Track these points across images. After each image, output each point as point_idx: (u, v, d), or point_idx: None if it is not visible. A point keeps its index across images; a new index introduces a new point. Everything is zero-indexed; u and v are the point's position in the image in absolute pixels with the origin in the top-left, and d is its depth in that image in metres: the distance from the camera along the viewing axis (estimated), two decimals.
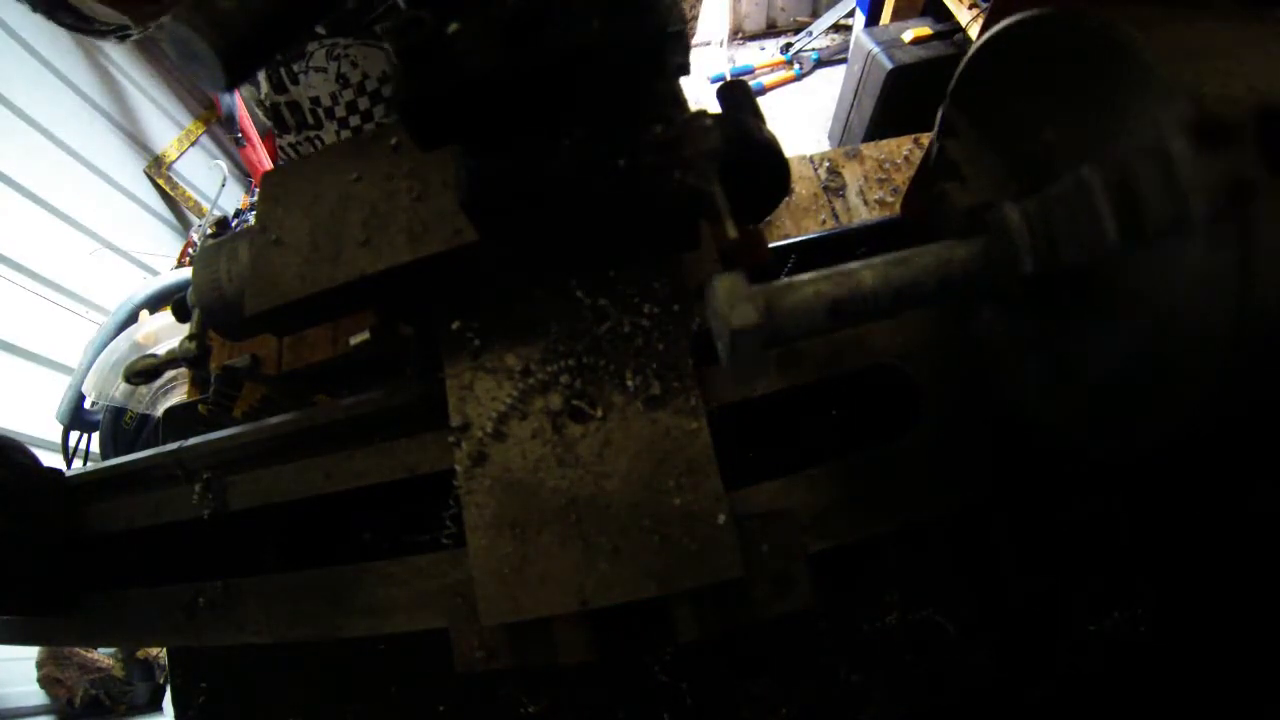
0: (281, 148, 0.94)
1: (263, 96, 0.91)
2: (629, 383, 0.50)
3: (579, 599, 0.47)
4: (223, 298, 0.58)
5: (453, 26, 0.39)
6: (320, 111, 0.88)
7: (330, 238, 0.52)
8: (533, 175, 0.43)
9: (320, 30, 0.80)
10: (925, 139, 1.04)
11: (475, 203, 0.44)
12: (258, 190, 0.58)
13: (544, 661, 0.51)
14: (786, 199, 0.99)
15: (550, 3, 0.38)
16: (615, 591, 0.46)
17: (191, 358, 0.71)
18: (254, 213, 0.57)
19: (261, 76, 0.87)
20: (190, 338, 0.70)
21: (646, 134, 0.41)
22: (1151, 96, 0.31)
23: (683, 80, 0.43)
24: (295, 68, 0.85)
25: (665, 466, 0.48)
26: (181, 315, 0.68)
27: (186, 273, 2.10)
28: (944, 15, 2.41)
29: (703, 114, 0.42)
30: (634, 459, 0.49)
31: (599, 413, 0.50)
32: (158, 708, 2.14)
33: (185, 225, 2.85)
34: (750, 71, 3.56)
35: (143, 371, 0.75)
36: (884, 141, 1.06)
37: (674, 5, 0.38)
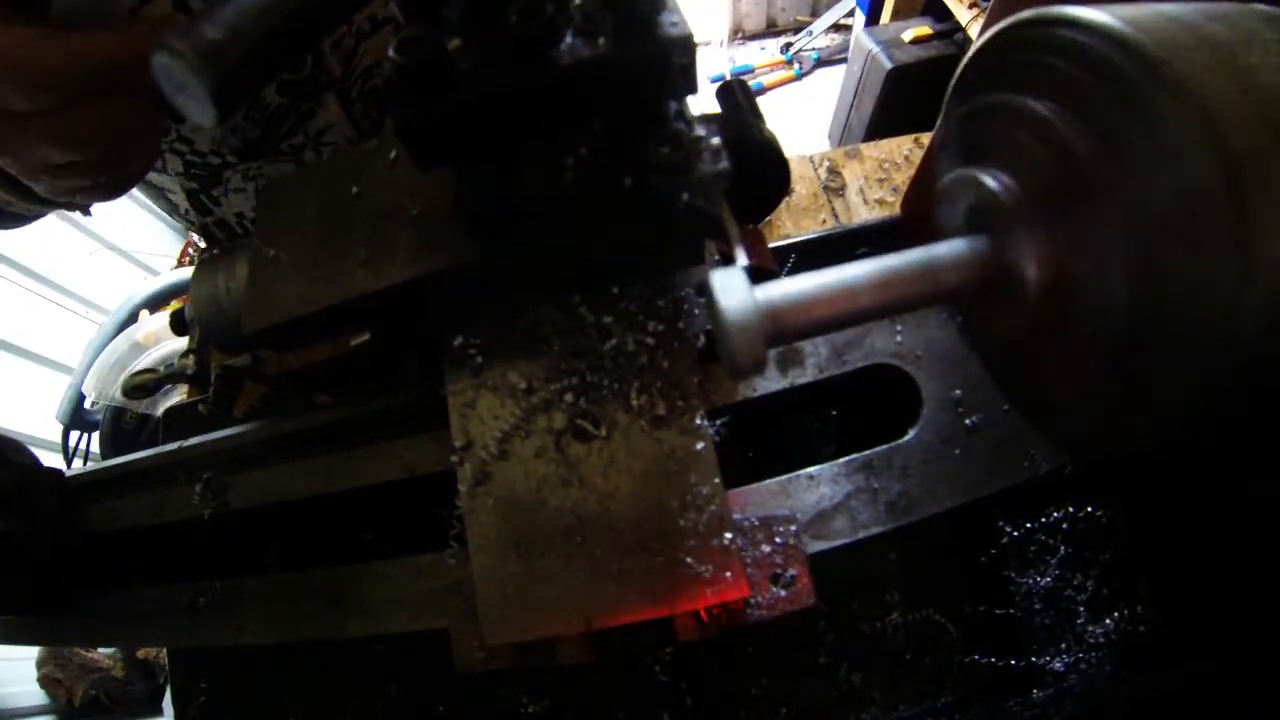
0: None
1: (183, 212, 0.95)
2: (633, 401, 0.50)
3: (584, 619, 0.46)
4: (221, 313, 0.58)
5: (454, 43, 0.38)
6: (247, 223, 0.93)
7: (330, 254, 0.51)
8: (535, 193, 0.42)
9: (231, 159, 0.84)
10: (925, 139, 1.04)
11: (476, 221, 0.44)
12: (257, 203, 0.58)
13: (544, 663, 0.51)
14: (786, 199, 0.99)
15: (555, 21, 0.37)
16: (620, 612, 0.46)
17: (190, 374, 0.72)
18: (253, 227, 0.57)
19: (183, 203, 0.91)
20: (188, 353, 0.70)
21: (653, 154, 0.41)
22: (1160, 100, 0.31)
23: (690, 99, 0.43)
24: (215, 193, 0.89)
25: (670, 487, 0.48)
26: (179, 329, 0.68)
27: (186, 273, 2.11)
28: (944, 15, 2.41)
29: (710, 134, 0.42)
30: (638, 479, 0.49)
31: (603, 432, 0.50)
32: (158, 708, 2.14)
33: (188, 226, 2.84)
34: (750, 71, 3.56)
35: (141, 387, 0.75)
36: (884, 141, 1.06)
37: (680, 22, 0.37)
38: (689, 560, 0.46)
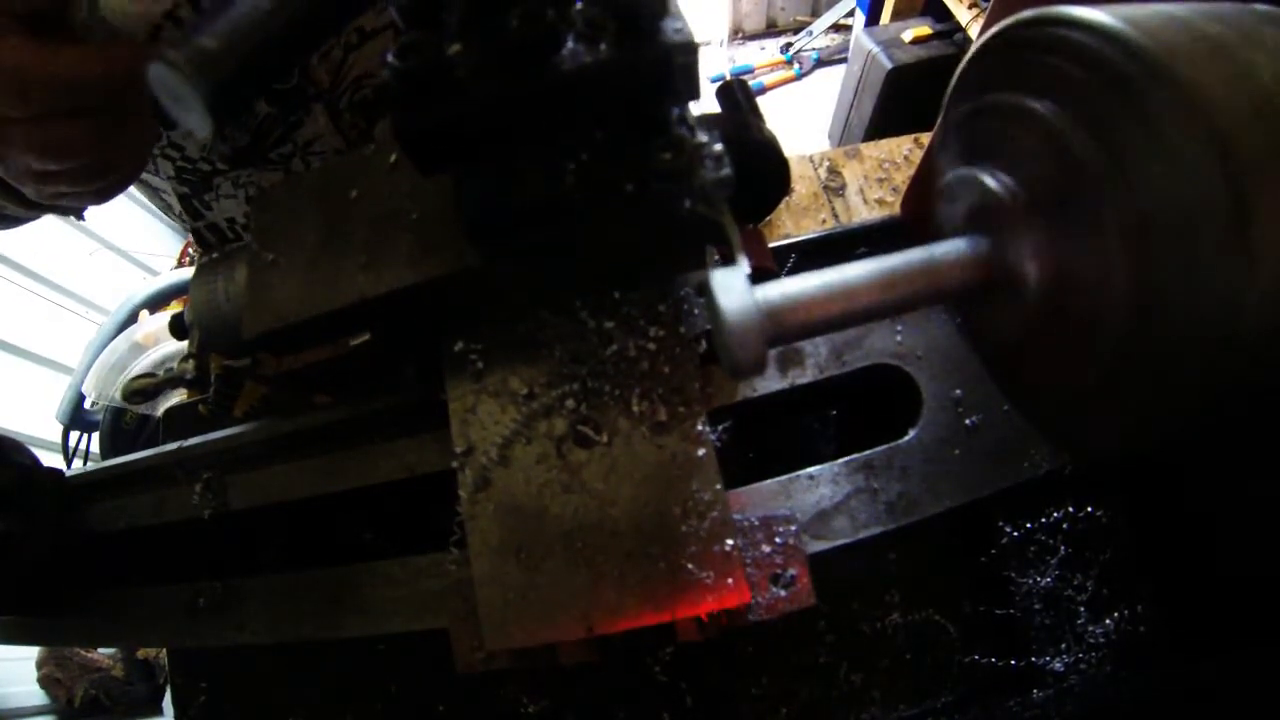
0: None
1: (177, 213, 0.96)
2: (635, 407, 0.50)
3: (585, 625, 0.46)
4: (220, 317, 0.58)
5: (453, 48, 0.38)
6: (238, 227, 0.94)
7: (329, 258, 0.51)
8: (536, 199, 0.42)
9: (221, 166, 0.84)
10: (925, 138, 1.04)
11: (477, 227, 0.43)
12: (254, 208, 0.58)
13: (544, 663, 0.51)
14: (786, 199, 0.99)
15: (556, 26, 0.37)
16: (621, 618, 0.46)
17: (189, 378, 0.72)
18: (251, 230, 0.57)
19: (176, 204, 0.93)
20: (188, 357, 0.70)
21: (655, 160, 0.40)
22: (1161, 100, 0.31)
23: (692, 104, 0.42)
24: (206, 198, 0.89)
25: (671, 493, 0.48)
26: (179, 333, 0.68)
27: (186, 273, 2.10)
28: (944, 15, 2.42)
29: (713, 140, 0.42)
30: (639, 485, 0.49)
31: (604, 438, 0.50)
32: (157, 708, 2.14)
33: (183, 227, 2.85)
34: (750, 71, 3.56)
35: (140, 391, 0.75)
36: (884, 141, 1.06)
37: (684, 28, 0.37)
38: (690, 566, 0.46)
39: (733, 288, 0.36)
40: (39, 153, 0.51)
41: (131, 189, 0.99)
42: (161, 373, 0.74)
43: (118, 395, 1.67)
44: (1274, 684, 0.52)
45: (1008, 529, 0.65)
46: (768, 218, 0.96)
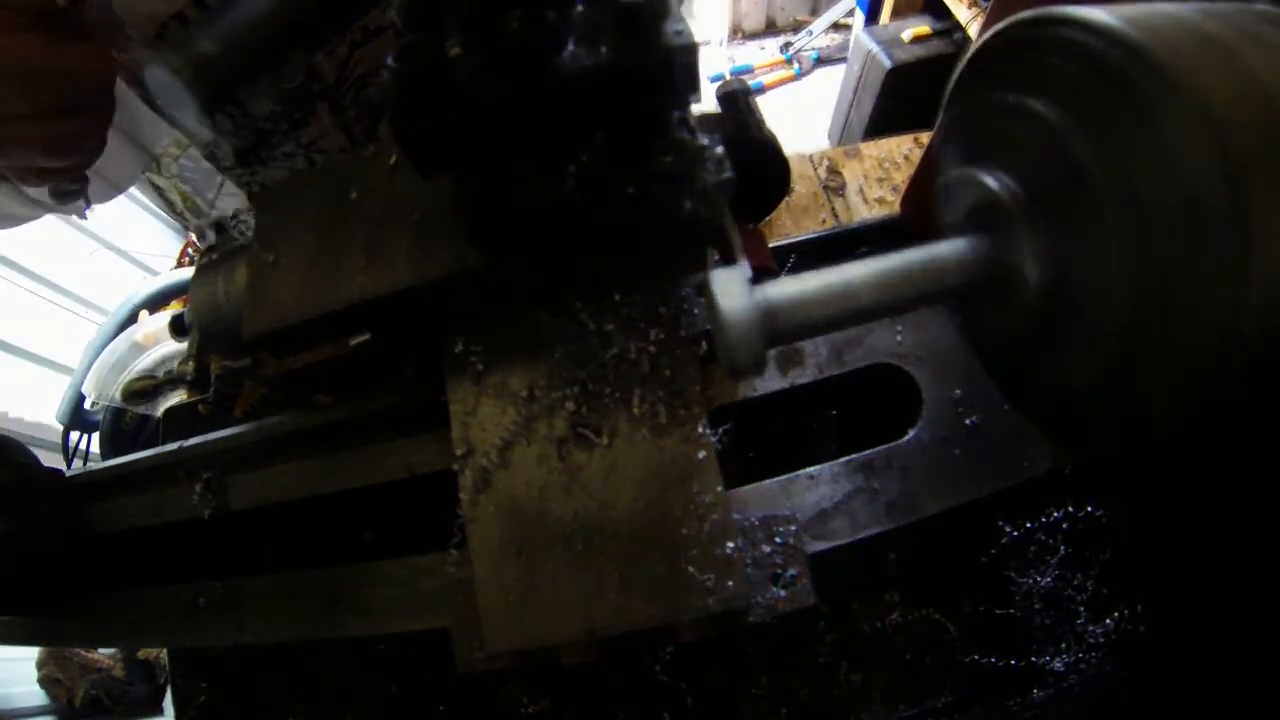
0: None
1: (179, 211, 0.99)
2: (635, 409, 0.50)
3: (585, 627, 0.46)
4: (221, 318, 0.58)
5: (454, 50, 0.38)
6: (243, 226, 0.95)
7: (329, 259, 0.51)
8: (537, 201, 0.42)
9: (226, 163, 0.86)
10: (925, 138, 1.04)
11: (477, 228, 0.44)
12: (255, 208, 0.58)
13: (544, 663, 0.51)
14: (786, 198, 0.99)
15: (557, 28, 0.37)
16: (622, 620, 0.46)
17: (190, 379, 0.72)
18: (252, 230, 0.57)
19: (179, 202, 0.95)
20: (188, 358, 0.70)
21: (655, 162, 0.41)
22: (1161, 101, 0.31)
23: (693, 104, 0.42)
24: (209, 196, 0.93)
25: (671, 495, 0.48)
26: (179, 333, 0.68)
27: (186, 273, 2.10)
28: (943, 14, 2.41)
29: (714, 143, 0.42)
30: (640, 487, 0.49)
31: (604, 439, 0.50)
32: (158, 708, 2.14)
33: (185, 225, 2.84)
34: (750, 70, 3.56)
35: (140, 393, 0.75)
36: (883, 140, 1.06)
37: (685, 30, 0.37)
38: (691, 570, 0.46)
39: (732, 288, 0.36)
40: (44, 149, 0.52)
41: (134, 188, 1.00)
42: (161, 373, 0.74)
43: (118, 395, 1.67)
44: (1274, 684, 0.52)
45: (1008, 529, 0.65)
46: (768, 218, 0.96)
